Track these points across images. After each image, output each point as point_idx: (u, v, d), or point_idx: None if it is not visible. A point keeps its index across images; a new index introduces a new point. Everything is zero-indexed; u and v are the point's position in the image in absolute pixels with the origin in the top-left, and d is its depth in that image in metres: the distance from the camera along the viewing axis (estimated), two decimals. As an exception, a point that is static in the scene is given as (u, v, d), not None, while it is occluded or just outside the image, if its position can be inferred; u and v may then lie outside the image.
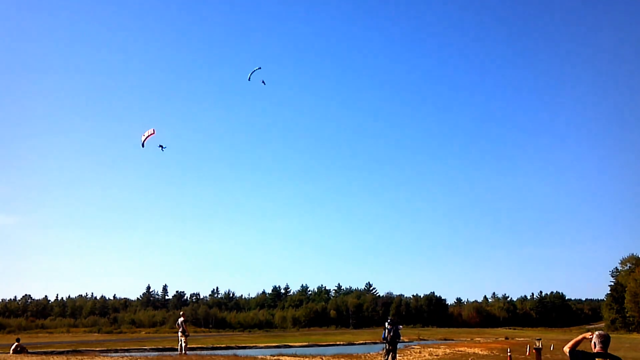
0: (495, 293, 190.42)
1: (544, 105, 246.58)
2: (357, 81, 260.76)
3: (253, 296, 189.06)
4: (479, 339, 70.69)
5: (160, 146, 31.36)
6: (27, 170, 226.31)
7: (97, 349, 43.52)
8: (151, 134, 29.87)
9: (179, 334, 27.51)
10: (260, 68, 32.02)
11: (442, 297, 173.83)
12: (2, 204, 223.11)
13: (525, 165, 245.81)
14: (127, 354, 34.41)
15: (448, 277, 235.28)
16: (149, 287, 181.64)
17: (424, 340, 67.96)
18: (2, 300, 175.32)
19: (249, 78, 31.74)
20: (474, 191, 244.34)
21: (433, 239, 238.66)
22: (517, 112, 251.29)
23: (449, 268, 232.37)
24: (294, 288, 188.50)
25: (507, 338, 73.73)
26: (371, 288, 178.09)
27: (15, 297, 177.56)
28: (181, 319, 27.75)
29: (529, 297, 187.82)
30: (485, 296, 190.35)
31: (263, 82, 32.20)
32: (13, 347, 29.45)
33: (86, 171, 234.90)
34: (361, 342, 64.63)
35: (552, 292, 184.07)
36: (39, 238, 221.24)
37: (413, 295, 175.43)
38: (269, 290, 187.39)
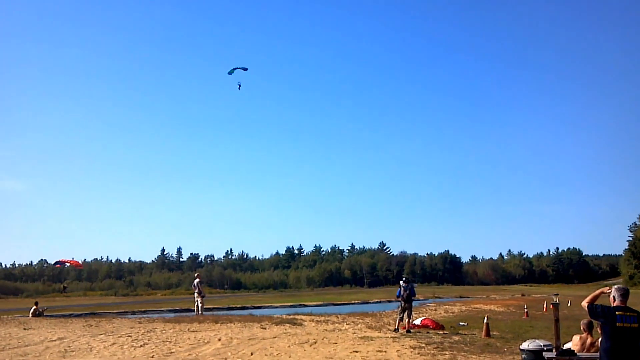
0: (511, 250, 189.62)
1: (561, 60, 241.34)
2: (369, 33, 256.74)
3: (267, 257, 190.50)
4: (494, 296, 70.67)
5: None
6: (39, 134, 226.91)
7: (114, 311, 43.70)
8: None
9: (195, 295, 27.38)
10: (246, 69, 30.78)
11: (457, 256, 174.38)
12: (15, 169, 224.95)
13: (541, 119, 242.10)
14: (144, 315, 34.43)
15: (463, 235, 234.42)
16: (163, 250, 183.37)
17: (439, 298, 68.00)
18: (18, 265, 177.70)
19: (231, 72, 30.29)
20: (488, 146, 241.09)
21: (447, 197, 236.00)
22: (535, 64, 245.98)
23: (463, 226, 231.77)
24: (308, 248, 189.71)
25: (523, 295, 73.72)
26: (385, 247, 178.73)
27: (32, 261, 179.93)
28: (197, 280, 27.63)
29: (545, 254, 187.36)
30: (500, 254, 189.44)
31: (239, 85, 31.33)
32: (32, 310, 29.54)
33: (99, 133, 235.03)
34: (376, 300, 64.75)
35: (569, 249, 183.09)
36: (53, 202, 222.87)
37: (427, 254, 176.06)
38: (282, 251, 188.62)
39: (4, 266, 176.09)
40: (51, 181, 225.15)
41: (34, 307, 29.95)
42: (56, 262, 54.16)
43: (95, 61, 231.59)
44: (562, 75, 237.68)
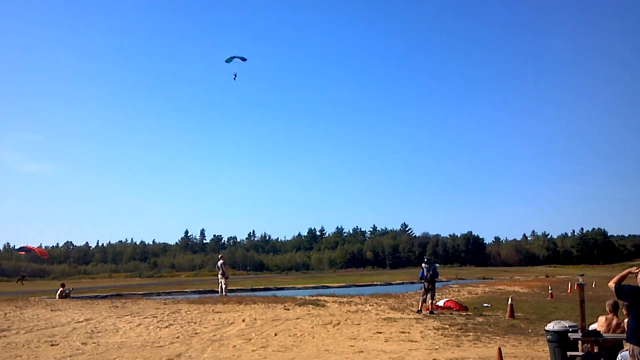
0: (535, 231, 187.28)
1: (587, 33, 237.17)
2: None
3: (289, 239, 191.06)
4: (518, 277, 70.27)
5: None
6: (63, 117, 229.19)
7: (139, 292, 44.16)
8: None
9: (219, 276, 27.54)
10: (245, 60, 29.73)
11: (480, 237, 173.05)
12: (40, 152, 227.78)
13: (568, 97, 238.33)
14: (169, 296, 34.80)
15: (486, 216, 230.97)
16: (187, 232, 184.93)
17: (462, 279, 67.76)
18: (45, 247, 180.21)
19: (229, 61, 29.46)
20: (512, 125, 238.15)
21: (470, 177, 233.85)
22: (560, 34, 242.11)
23: (486, 207, 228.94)
24: (329, 230, 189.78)
25: (547, 276, 73.30)
26: (407, 229, 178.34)
27: (58, 244, 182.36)
28: (220, 261, 27.79)
29: (569, 235, 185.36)
30: (524, 234, 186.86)
31: (234, 75, 30.64)
32: (59, 292, 29.93)
33: (122, 116, 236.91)
34: (398, 282, 64.73)
35: (593, 229, 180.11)
36: (78, 185, 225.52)
37: (450, 235, 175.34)
38: (304, 233, 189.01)
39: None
40: (77, 164, 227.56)
41: (61, 288, 30.34)
42: (20, 249, 51.88)
43: (117, 44, 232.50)
44: (587, 50, 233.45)
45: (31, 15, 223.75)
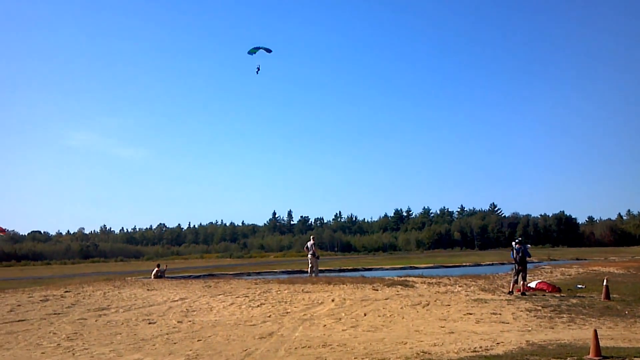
0: (631, 210, 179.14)
1: None
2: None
3: (375, 219, 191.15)
4: (613, 258, 67.51)
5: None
6: (155, 103, 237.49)
7: (231, 272, 45.35)
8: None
9: (309, 256, 27.82)
10: (270, 51, 28.11)
11: (573, 216, 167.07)
12: (134, 137, 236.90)
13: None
14: (259, 276, 35.62)
15: (579, 195, 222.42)
16: (274, 213, 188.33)
17: (554, 260, 65.75)
18: (139, 229, 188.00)
19: (253, 52, 27.78)
20: (606, 101, 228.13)
21: (562, 155, 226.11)
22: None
23: (579, 185, 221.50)
24: (416, 210, 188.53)
25: (644, 256, 70.21)
26: (496, 209, 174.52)
27: (151, 226, 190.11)
28: (311, 242, 28.04)
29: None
30: (619, 214, 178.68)
31: (258, 69, 28.80)
32: (154, 272, 31.09)
33: (212, 101, 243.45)
34: (488, 262, 63.58)
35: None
36: (169, 169, 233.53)
37: (541, 215, 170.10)
38: (391, 214, 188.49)
39: (125, 230, 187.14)
40: (169, 148, 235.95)
41: (156, 268, 31.51)
42: None
43: (202, 38, 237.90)
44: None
45: (124, 8, 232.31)
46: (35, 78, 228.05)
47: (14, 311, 17.45)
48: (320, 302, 17.25)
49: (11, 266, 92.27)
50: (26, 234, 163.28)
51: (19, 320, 15.44)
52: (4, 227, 51.21)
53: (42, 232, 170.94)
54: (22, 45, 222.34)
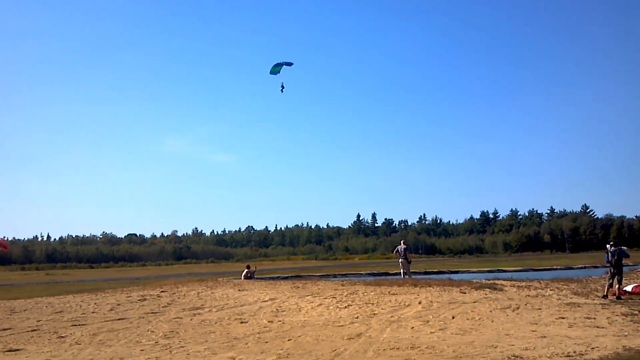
0: None
1: None
2: None
3: (461, 222, 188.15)
4: None
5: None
6: (244, 110, 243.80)
7: (317, 274, 45.77)
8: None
9: (401, 260, 28.23)
10: (291, 64, 27.09)
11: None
12: (224, 144, 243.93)
13: None
14: (345, 278, 35.81)
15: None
16: (359, 216, 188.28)
17: (652, 263, 62.97)
18: (229, 231, 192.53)
19: (276, 71, 26.87)
20: None
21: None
22: None
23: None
24: (503, 212, 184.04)
25: None
26: (588, 210, 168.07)
27: (240, 228, 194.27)
28: (403, 246, 28.54)
29: None
30: None
31: (282, 87, 27.86)
32: (244, 273, 31.87)
33: (297, 105, 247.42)
34: (580, 266, 61.38)
35: None
36: (258, 173, 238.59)
37: (637, 217, 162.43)
38: (477, 216, 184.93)
39: (216, 233, 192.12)
40: (257, 153, 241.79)
41: (246, 269, 32.26)
42: None
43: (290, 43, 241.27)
44: None
45: (215, 16, 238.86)
46: (133, 88, 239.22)
47: (114, 310, 18.36)
48: (407, 304, 17.26)
49: (109, 267, 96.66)
50: (123, 237, 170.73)
51: (119, 319, 16.24)
52: (4, 242, 50.68)
53: (138, 234, 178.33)
54: (122, 58, 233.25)
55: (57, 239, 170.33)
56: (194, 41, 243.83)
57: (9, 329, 14.89)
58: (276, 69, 27.16)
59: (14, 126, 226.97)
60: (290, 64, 27.32)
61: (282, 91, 28.09)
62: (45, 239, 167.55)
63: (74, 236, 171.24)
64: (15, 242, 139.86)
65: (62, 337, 13.46)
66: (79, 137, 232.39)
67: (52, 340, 12.99)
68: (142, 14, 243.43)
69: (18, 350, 11.88)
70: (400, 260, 28.18)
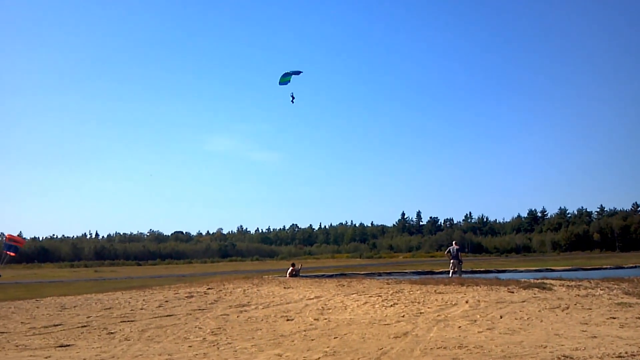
0: None
1: None
2: None
3: (508, 220, 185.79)
4: None
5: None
6: (287, 110, 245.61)
7: (362, 272, 45.79)
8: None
9: (452, 261, 28.86)
10: (299, 73, 26.31)
11: None
12: (269, 142, 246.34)
13: None
14: (390, 276, 35.76)
15: None
16: (403, 214, 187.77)
17: None
18: (273, 229, 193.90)
19: (285, 82, 26.17)
20: None
21: None
22: None
23: None
24: (551, 211, 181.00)
25: None
26: (639, 209, 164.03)
27: (284, 226, 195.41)
28: (456, 247, 29.04)
29: None
30: None
31: (292, 98, 27.13)
32: (289, 270, 32.10)
33: (339, 104, 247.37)
34: (631, 265, 59.99)
35: None
36: (301, 171, 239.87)
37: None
38: (524, 214, 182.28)
39: (260, 231, 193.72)
40: (300, 152, 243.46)
41: (291, 267, 32.47)
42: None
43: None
44: None
45: (259, 20, 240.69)
46: (179, 88, 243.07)
47: (162, 306, 18.67)
48: (453, 303, 17.11)
49: (156, 264, 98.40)
50: (169, 235, 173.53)
51: (167, 315, 16.51)
52: (19, 238, 51.33)
53: (184, 232, 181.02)
54: (170, 60, 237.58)
55: (105, 236, 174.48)
56: (239, 44, 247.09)
57: (60, 324, 15.28)
58: (285, 79, 26.72)
59: (65, 127, 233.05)
60: (298, 73, 26.72)
61: (292, 102, 27.62)
62: (93, 236, 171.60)
63: (121, 234, 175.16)
64: (64, 239, 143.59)
65: (112, 333, 13.75)
66: (125, 136, 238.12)
67: (101, 336, 13.29)
68: (192, 17, 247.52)
69: (69, 345, 12.18)
70: (452, 260, 28.47)
